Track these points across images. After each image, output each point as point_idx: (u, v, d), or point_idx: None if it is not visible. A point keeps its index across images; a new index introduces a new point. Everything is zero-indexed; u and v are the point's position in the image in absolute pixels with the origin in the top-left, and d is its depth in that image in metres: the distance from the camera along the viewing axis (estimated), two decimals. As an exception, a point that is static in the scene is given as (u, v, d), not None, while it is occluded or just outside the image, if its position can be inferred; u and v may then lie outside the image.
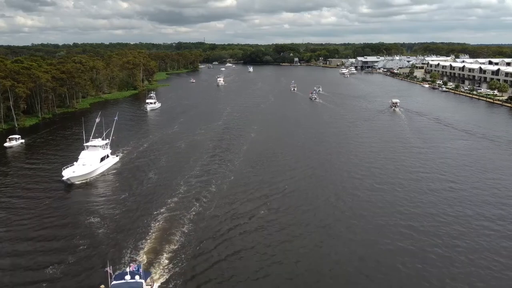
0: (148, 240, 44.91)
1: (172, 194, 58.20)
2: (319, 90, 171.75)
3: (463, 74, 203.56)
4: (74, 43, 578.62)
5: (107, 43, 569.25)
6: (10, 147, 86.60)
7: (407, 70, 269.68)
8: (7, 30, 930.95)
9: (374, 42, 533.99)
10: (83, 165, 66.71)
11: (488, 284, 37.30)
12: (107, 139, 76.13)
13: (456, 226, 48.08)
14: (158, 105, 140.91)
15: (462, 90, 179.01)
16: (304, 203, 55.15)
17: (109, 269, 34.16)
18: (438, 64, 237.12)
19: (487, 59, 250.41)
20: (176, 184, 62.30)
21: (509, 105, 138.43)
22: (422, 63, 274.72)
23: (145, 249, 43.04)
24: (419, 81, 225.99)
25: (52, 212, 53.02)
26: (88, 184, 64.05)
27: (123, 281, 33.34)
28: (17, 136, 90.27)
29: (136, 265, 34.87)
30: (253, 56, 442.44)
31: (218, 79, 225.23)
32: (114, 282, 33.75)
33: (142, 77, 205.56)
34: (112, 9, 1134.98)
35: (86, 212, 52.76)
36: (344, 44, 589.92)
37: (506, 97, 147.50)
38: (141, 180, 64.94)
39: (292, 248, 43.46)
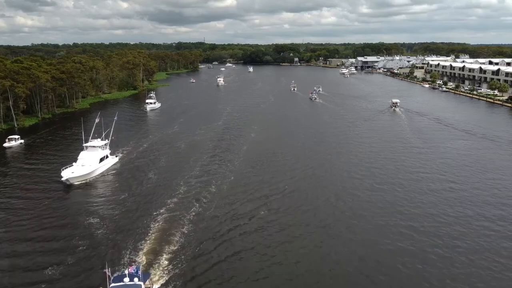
0: (148, 241, 44.77)
1: (171, 194, 58.06)
2: (319, 90, 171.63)
3: (463, 74, 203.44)
4: (74, 43, 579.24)
5: (107, 43, 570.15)
6: (10, 147, 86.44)
7: (407, 70, 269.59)
8: (7, 30, 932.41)
9: (374, 42, 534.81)
10: (82, 165, 66.55)
11: (488, 285, 37.18)
12: (107, 140, 75.95)
13: (456, 227, 47.95)
14: (158, 105, 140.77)
15: (462, 90, 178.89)
16: (304, 203, 55.03)
17: (107, 271, 33.94)
18: (438, 64, 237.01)
19: (487, 59, 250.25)
20: (176, 184, 62.16)
21: (510, 105, 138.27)
22: (422, 63, 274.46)
23: (145, 250, 42.89)
24: (419, 81, 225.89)
25: (51, 212, 52.89)
26: (88, 185, 63.91)
27: (121, 283, 33.16)
28: (16, 136, 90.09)
29: (135, 267, 34.66)
30: (253, 56, 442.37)
31: (218, 79, 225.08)
32: (113, 284, 33.58)
33: (142, 77, 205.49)
34: (112, 9, 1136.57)
35: (85, 213, 52.62)
36: (344, 44, 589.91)
37: (506, 97, 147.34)
38: (140, 180, 64.81)
39: (292, 248, 43.33)
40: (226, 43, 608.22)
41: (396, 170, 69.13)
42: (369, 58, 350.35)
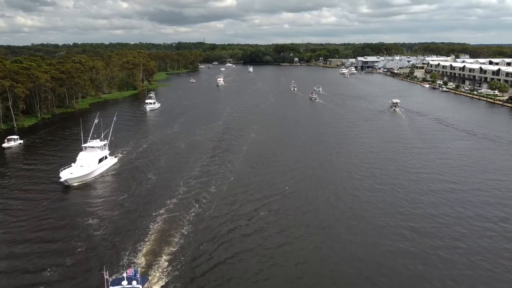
0: (147, 242, 44.50)
1: (171, 195, 57.78)
2: (319, 90, 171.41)
3: (464, 74, 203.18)
4: (74, 43, 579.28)
5: (107, 43, 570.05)
6: (9, 147, 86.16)
7: (407, 70, 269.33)
8: (7, 30, 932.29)
9: (374, 42, 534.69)
10: (81, 166, 66.25)
11: (490, 286, 36.92)
12: (106, 140, 75.65)
13: (457, 227, 47.69)
14: (157, 105, 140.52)
15: (463, 90, 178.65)
16: (304, 204, 54.77)
17: (105, 274, 33.56)
18: (439, 64, 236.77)
19: (488, 59, 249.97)
20: (175, 185, 61.88)
21: (510, 105, 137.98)
22: (422, 63, 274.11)
23: (144, 251, 42.62)
24: (419, 81, 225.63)
25: (50, 213, 52.61)
26: (86, 186, 63.62)
27: (119, 286, 32.84)
28: (15, 137, 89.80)
29: (133, 270, 34.36)
30: (253, 56, 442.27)
31: (218, 79, 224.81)
32: (111, 287, 33.32)
33: (142, 77, 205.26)
34: (112, 9, 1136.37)
35: (84, 214, 52.34)
36: (344, 44, 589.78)
37: (506, 97, 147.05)
38: (140, 181, 64.52)
39: (292, 250, 43.08)
40: (226, 43, 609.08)
41: (396, 170, 68.86)
42: (369, 58, 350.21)
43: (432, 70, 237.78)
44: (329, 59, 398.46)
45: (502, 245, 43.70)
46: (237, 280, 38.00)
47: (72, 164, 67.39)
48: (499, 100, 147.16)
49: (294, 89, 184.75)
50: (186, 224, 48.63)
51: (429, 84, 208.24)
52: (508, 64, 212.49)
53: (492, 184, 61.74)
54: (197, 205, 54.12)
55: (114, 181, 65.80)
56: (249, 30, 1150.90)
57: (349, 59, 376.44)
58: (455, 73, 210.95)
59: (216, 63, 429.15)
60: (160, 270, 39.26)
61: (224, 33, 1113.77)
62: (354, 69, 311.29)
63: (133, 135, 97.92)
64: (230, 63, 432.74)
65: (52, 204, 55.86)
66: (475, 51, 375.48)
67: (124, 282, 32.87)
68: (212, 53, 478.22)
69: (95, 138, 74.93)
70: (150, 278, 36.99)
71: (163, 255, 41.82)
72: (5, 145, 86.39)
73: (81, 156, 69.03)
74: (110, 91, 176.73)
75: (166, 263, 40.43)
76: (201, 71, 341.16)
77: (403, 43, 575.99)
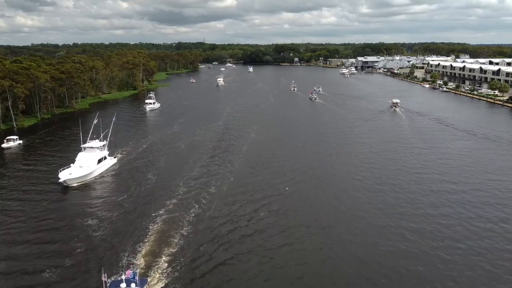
0: (146, 243, 44.30)
1: (171, 195, 57.59)
2: (319, 90, 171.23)
3: (464, 74, 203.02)
4: (74, 43, 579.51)
5: (107, 43, 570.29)
6: (8, 148, 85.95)
7: (407, 70, 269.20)
8: (7, 30, 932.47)
9: (374, 42, 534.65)
10: (80, 167, 66.02)
11: (490, 287, 36.72)
12: (105, 140, 75.42)
13: (458, 228, 47.51)
14: (157, 105, 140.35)
15: (463, 90, 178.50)
16: (304, 204, 54.60)
17: (103, 277, 33.30)
18: (439, 64, 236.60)
19: (488, 59, 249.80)
20: (175, 185, 61.69)
21: (510, 105, 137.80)
22: (423, 63, 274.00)
23: (143, 252, 42.42)
24: (420, 81, 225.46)
25: (49, 214, 52.41)
26: (85, 186, 63.43)
27: None
28: (15, 137, 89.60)
29: (132, 272, 34.13)
30: (253, 56, 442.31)
31: (218, 79, 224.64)
32: None
33: (142, 77, 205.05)
34: (112, 9, 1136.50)
35: (83, 215, 52.15)
36: (344, 44, 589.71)
37: (507, 97, 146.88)
38: (139, 181, 64.33)
39: (292, 250, 42.91)
40: (226, 43, 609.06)
41: (396, 170, 68.68)
42: (369, 58, 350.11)
43: (432, 70, 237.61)
44: (329, 59, 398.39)
45: (503, 245, 43.52)
46: (237, 281, 37.83)
47: (71, 164, 67.16)
48: (499, 100, 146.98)
49: (294, 89, 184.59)
50: (185, 225, 48.44)
51: (429, 84, 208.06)
52: (508, 64, 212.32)
53: (492, 185, 61.57)
54: (196, 206, 53.94)
55: (114, 182, 65.61)
56: (249, 30, 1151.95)
57: (349, 59, 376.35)
58: (455, 73, 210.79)
59: (216, 63, 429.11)
60: (160, 271, 39.06)
61: (224, 33, 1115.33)
62: (354, 69, 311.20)
63: (133, 135, 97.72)
64: (230, 63, 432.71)
65: (51, 204, 55.67)
66: (475, 51, 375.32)
67: (123, 285, 32.56)
68: (212, 53, 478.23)
69: (95, 139, 74.68)
70: (149, 280, 36.74)
71: (163, 256, 41.63)
72: (4, 145, 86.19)
73: (80, 156, 68.83)
74: (110, 91, 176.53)
75: (166, 264, 40.24)
76: (201, 71, 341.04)
77: (403, 43, 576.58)
